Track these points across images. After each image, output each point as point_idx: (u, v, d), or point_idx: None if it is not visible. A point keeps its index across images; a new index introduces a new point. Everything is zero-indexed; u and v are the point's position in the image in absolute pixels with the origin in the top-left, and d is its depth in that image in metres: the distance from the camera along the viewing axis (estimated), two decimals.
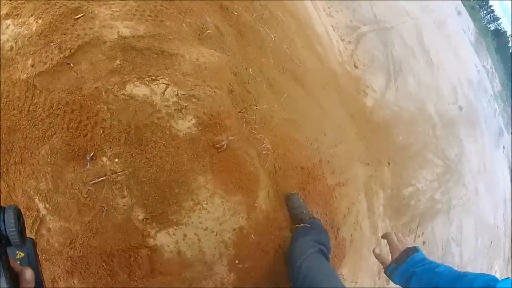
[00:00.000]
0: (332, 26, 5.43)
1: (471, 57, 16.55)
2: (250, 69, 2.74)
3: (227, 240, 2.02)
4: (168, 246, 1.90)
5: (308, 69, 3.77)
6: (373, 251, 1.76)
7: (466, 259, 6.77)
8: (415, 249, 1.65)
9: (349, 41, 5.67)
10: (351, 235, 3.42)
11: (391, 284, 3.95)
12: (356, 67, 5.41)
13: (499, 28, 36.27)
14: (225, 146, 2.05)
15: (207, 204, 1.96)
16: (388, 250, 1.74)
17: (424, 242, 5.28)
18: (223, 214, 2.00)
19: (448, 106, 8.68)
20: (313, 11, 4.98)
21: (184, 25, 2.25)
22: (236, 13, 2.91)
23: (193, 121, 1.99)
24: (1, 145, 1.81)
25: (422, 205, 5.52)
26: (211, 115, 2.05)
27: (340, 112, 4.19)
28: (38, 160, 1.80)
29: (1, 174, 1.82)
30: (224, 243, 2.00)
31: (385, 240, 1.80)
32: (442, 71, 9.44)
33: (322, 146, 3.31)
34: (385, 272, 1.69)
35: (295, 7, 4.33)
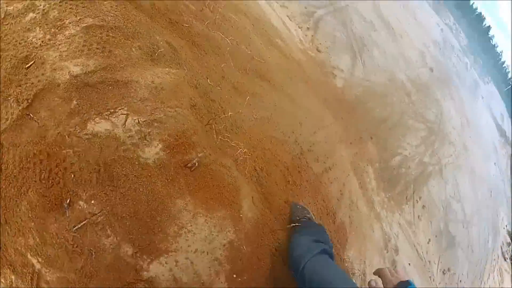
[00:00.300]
0: (287, 16, 5.43)
1: (432, 17, 16.76)
2: (210, 78, 2.72)
3: (220, 257, 2.00)
4: (163, 275, 1.88)
5: (271, 64, 3.77)
6: (369, 283, 1.76)
7: (469, 212, 6.88)
8: (408, 283, 1.65)
9: (307, 27, 5.68)
10: (349, 217, 3.44)
11: (400, 253, 3.98)
12: (319, 51, 5.41)
13: None
14: (196, 163, 2.04)
15: (191, 226, 1.95)
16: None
17: (423, 206, 5.33)
18: (209, 233, 1.99)
19: (418, 70, 8.78)
20: (265, 5, 4.97)
21: (133, 49, 2.23)
22: (186, 25, 2.90)
23: (160, 145, 1.98)
24: None
25: (413, 171, 5.60)
26: (177, 136, 2.04)
27: (312, 99, 4.20)
28: (20, 217, 1.77)
29: None
30: (217, 260, 1.98)
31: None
32: (405, 37, 9.54)
33: (300, 137, 3.31)
34: None
35: (247, 6, 4.31)
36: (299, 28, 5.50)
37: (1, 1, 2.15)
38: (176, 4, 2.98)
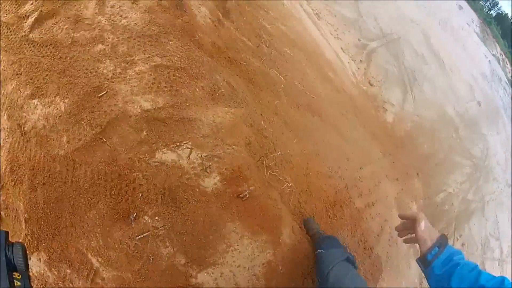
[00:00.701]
0: (341, 48, 5.55)
1: (479, 49, 16.29)
2: (264, 115, 2.91)
3: (258, 273, 2.23)
4: (208, 283, 2.13)
5: (323, 98, 3.89)
6: (420, 225, 1.51)
7: (506, 251, 6.65)
8: (447, 238, 1.50)
9: (360, 60, 5.77)
10: (387, 252, 3.44)
11: None
12: (371, 85, 5.49)
13: (500, 12, 35.61)
14: (247, 195, 2.29)
15: (237, 245, 2.21)
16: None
17: (463, 244, 5.26)
18: (252, 252, 2.23)
19: (467, 104, 8.64)
20: (320, 38, 5.10)
21: (197, 89, 2.51)
22: (244, 63, 3.12)
23: (218, 177, 2.25)
24: (51, 212, 2.06)
25: (456, 208, 5.50)
26: (233, 170, 2.30)
27: (361, 133, 4.26)
28: (87, 223, 2.06)
29: (54, 235, 2.08)
30: (256, 276, 2.22)
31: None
32: (455, 70, 9.42)
33: (346, 172, 3.38)
34: (421, 259, 1.47)
35: (302, 40, 4.45)
36: (353, 60, 5.59)
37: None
38: (234, 41, 3.21)
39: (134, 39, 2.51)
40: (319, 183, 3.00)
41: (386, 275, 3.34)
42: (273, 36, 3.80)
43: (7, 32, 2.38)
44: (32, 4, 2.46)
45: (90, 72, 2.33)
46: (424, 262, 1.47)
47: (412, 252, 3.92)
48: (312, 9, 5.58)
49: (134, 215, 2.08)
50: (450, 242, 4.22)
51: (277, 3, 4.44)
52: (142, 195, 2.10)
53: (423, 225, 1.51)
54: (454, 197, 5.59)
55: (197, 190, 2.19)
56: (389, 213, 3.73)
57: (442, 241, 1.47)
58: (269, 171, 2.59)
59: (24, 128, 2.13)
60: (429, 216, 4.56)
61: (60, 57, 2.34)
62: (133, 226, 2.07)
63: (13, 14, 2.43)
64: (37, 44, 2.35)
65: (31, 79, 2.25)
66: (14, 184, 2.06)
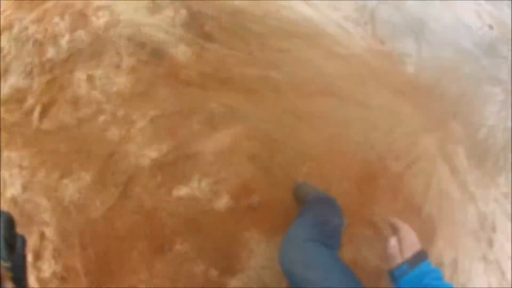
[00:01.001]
0: (343, 17, 5.33)
1: None
2: (271, 118, 3.06)
3: (280, 270, 2.53)
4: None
5: (335, 76, 3.84)
6: (389, 241, 1.45)
7: None
8: (426, 255, 1.40)
9: (365, 22, 5.56)
10: (439, 206, 3.34)
11: (498, 230, 3.84)
12: (383, 43, 5.33)
13: None
14: (257, 204, 2.61)
15: (257, 250, 2.52)
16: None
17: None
18: (271, 253, 2.53)
19: (479, 32, 8.29)
20: (318, 17, 4.94)
21: (194, 125, 2.82)
22: (239, 77, 3.25)
23: (227, 196, 2.58)
24: (103, 262, 2.45)
25: (500, 139, 5.21)
26: (239, 186, 2.64)
27: (385, 96, 4.16)
28: (133, 262, 2.44)
29: (110, 278, 2.45)
30: (279, 273, 2.46)
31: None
32: (458, 1, 9.08)
33: (376, 141, 3.30)
34: (389, 273, 1.42)
35: (296, 26, 4.32)
36: (358, 26, 5.36)
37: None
38: (223, 61, 3.28)
39: (127, 101, 2.87)
40: (345, 162, 3.04)
41: (442, 230, 3.25)
42: (265, 36, 3.77)
43: (20, 130, 2.76)
44: (32, 98, 2.86)
45: (101, 142, 2.72)
46: (391, 277, 1.42)
47: (467, 197, 3.81)
48: None
49: (167, 246, 2.47)
50: (504, 175, 4.49)
51: (259, 2, 4.24)
52: (170, 229, 2.50)
53: (392, 241, 1.44)
54: (495, 129, 5.29)
55: (212, 212, 2.54)
56: (433, 166, 3.65)
57: (416, 259, 1.36)
58: (281, 171, 2.82)
59: (63, 204, 2.53)
60: (477, 155, 4.50)
61: (73, 137, 2.74)
62: (168, 255, 2.46)
63: (18, 113, 2.82)
64: (50, 133, 2.75)
65: (55, 164, 2.64)
66: (68, 249, 2.46)
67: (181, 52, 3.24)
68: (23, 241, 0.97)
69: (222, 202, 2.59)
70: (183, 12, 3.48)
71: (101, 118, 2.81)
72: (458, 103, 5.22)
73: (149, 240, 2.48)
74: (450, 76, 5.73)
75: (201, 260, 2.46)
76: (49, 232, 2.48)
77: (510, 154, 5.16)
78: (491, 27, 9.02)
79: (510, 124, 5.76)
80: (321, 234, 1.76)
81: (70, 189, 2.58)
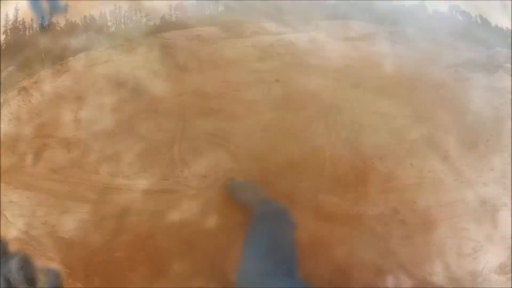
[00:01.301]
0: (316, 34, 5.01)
1: None
2: (252, 136, 3.25)
3: None
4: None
5: (312, 93, 3.83)
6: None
7: None
8: None
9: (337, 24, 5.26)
10: (435, 196, 3.25)
11: (499, 208, 3.39)
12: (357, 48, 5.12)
13: None
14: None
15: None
16: None
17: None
18: None
19: (453, 18, 7.53)
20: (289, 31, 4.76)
21: (176, 153, 3.09)
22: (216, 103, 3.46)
23: (215, 216, 2.81)
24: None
25: (488, 120, 4.48)
26: (226, 203, 2.91)
27: (366, 99, 4.11)
28: (133, 284, 2.59)
29: None
30: None
31: None
32: None
33: (361, 146, 3.37)
34: None
35: (262, 60, 4.36)
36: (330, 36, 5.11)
37: None
38: (200, 89, 3.53)
39: (112, 138, 3.09)
40: (336, 172, 3.13)
41: (441, 219, 3.15)
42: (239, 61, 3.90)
43: (18, 176, 2.94)
44: (23, 143, 3.06)
45: (94, 179, 2.93)
46: None
47: (463, 183, 3.56)
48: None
49: (166, 267, 2.62)
50: (496, 158, 3.94)
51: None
52: (166, 251, 2.69)
53: None
54: (483, 111, 4.52)
55: (204, 230, 2.74)
56: (425, 158, 3.56)
57: None
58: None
59: (65, 239, 2.71)
60: (467, 142, 4.02)
61: (70, 177, 2.94)
62: (168, 275, 2.61)
63: (13, 158, 3.01)
64: (46, 175, 2.94)
65: (56, 203, 2.85)
66: (74, 280, 2.55)
67: (158, 86, 3.47)
68: (56, 275, 0.93)
69: (212, 221, 2.78)
70: (156, 48, 3.75)
71: (91, 157, 3.02)
72: (441, 92, 4.88)
73: (148, 264, 2.67)
74: (430, 68, 5.33)
75: (200, 277, 2.63)
76: (54, 266, 2.58)
77: (500, 133, 4.50)
78: (463, 12, 9.11)
79: (496, 105, 5.57)
80: (277, 262, 1.74)
81: (70, 226, 2.76)
